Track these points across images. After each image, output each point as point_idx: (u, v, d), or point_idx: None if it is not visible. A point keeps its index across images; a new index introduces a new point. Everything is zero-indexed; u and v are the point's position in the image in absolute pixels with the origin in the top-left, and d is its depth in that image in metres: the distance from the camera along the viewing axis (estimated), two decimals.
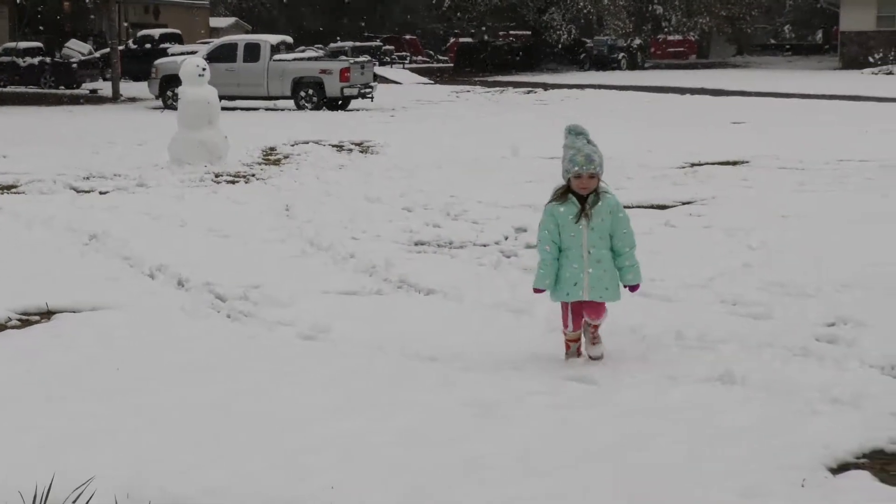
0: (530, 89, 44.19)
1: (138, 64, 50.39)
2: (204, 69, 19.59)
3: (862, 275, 9.66)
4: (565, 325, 7.31)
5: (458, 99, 40.10)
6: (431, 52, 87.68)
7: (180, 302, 9.14)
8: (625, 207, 7.44)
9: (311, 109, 34.32)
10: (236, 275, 9.98)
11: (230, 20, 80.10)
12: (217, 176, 17.86)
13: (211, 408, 6.42)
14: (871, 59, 54.52)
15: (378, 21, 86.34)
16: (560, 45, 65.42)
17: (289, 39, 38.32)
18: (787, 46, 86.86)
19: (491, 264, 10.56)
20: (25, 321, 8.71)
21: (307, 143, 23.31)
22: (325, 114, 33.03)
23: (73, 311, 8.90)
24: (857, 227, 12.04)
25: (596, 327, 7.30)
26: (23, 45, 49.48)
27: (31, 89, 46.50)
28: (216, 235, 12.30)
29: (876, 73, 50.52)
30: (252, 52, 35.48)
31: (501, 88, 45.57)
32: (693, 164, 18.57)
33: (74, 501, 5.03)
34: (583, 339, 7.37)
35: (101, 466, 5.39)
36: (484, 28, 71.61)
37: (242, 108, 33.93)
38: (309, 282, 9.83)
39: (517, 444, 5.78)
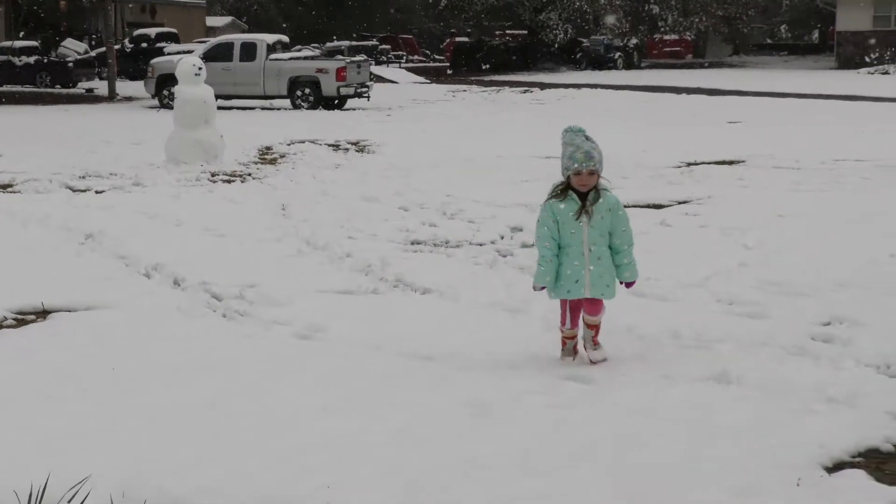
0: (527, 89, 44.20)
1: (134, 63, 50.48)
2: (200, 68, 19.58)
3: (858, 274, 9.67)
4: (563, 323, 7.30)
5: (455, 98, 40.10)
6: (428, 51, 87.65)
7: (176, 301, 9.13)
8: None
9: (307, 109, 34.32)
10: (232, 274, 9.98)
11: (226, 19, 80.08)
12: (213, 175, 17.86)
13: (207, 407, 6.42)
14: (867, 59, 54.58)
15: (374, 20, 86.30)
16: (556, 45, 65.48)
17: (285, 39, 38.32)
18: (784, 46, 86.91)
19: (487, 263, 10.56)
20: (21, 320, 8.71)
21: (303, 142, 23.31)
22: (321, 113, 33.04)
23: (69, 311, 8.90)
24: (852, 227, 12.05)
25: (597, 332, 7.26)
26: (19, 44, 49.42)
27: (27, 88, 46.47)
28: (212, 235, 12.29)
29: (872, 73, 50.58)
30: (248, 51, 35.48)
31: (498, 88, 45.58)
32: (689, 164, 18.58)
33: (70, 501, 5.03)
34: (581, 340, 7.35)
35: (97, 465, 5.39)
36: (480, 27, 71.63)
37: (239, 108, 33.94)
38: (305, 281, 9.83)
39: (514, 444, 5.78)
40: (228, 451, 5.70)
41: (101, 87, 44.52)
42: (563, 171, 7.15)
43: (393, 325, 8.31)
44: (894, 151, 19.17)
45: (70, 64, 48.44)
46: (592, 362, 7.21)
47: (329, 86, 34.45)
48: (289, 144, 23.04)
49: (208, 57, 32.83)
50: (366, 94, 35.59)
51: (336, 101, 35.09)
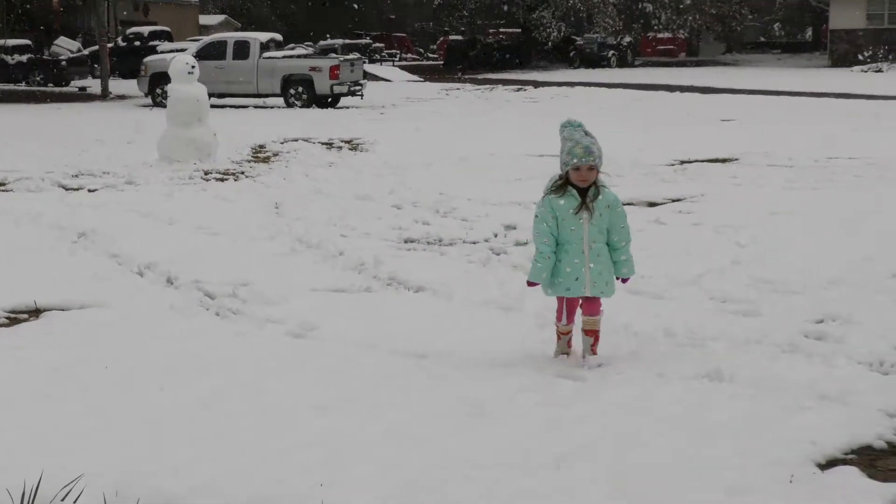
0: (520, 87, 44.19)
1: (127, 61, 50.40)
2: (193, 67, 19.57)
3: (850, 272, 9.68)
4: (559, 319, 7.28)
5: (448, 96, 40.09)
6: (421, 49, 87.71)
7: (169, 300, 9.13)
8: None
9: (300, 107, 34.31)
10: (225, 272, 9.97)
11: (220, 18, 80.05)
12: (206, 174, 17.85)
13: (200, 405, 6.41)
14: (860, 57, 54.61)
15: (368, 19, 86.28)
16: (550, 43, 65.46)
17: (278, 37, 38.26)
18: (777, 44, 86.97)
19: (480, 262, 10.56)
20: (14, 319, 8.70)
21: (297, 140, 23.30)
22: (314, 111, 33.01)
23: (62, 310, 8.89)
24: (846, 225, 12.06)
25: (596, 340, 7.22)
26: (11, 42, 49.40)
27: (20, 87, 46.42)
28: (205, 233, 12.29)
29: (865, 71, 50.61)
30: (241, 49, 35.45)
31: (491, 86, 45.57)
32: (682, 162, 18.59)
33: (63, 499, 5.03)
34: (578, 341, 7.32)
35: (90, 464, 5.39)
36: (474, 26, 71.61)
37: (232, 106, 33.91)
38: (298, 279, 9.83)
39: (509, 443, 5.78)
40: (223, 450, 5.69)
41: (93, 85, 44.49)
42: (561, 167, 7.06)
43: (386, 323, 8.31)
44: (888, 149, 19.17)
45: (63, 62, 48.38)
46: (588, 367, 7.18)
47: (322, 84, 34.44)
48: (282, 143, 23.03)
49: (201, 55, 32.83)
50: (359, 93, 35.57)
51: (329, 100, 35.08)
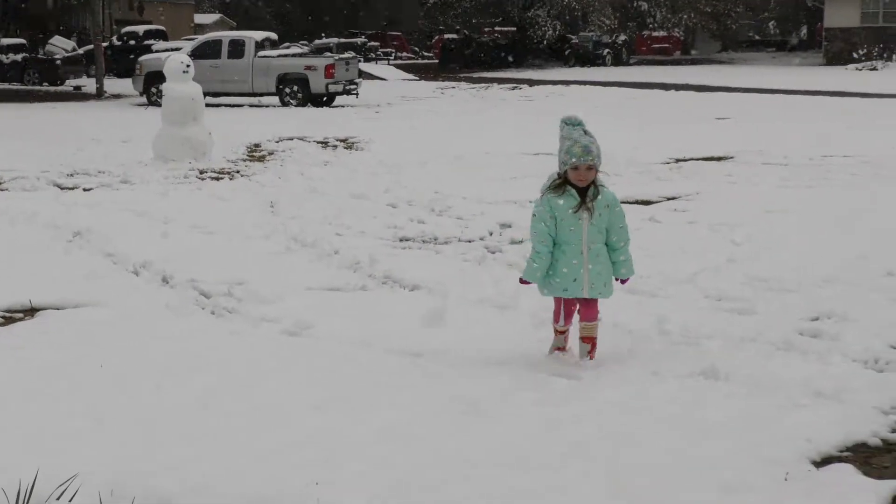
0: (515, 85, 44.20)
1: (122, 60, 50.35)
2: (188, 66, 19.58)
3: (845, 270, 9.69)
4: (556, 321, 7.24)
5: (443, 95, 40.09)
6: (416, 48, 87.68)
7: (164, 299, 9.13)
8: None
9: (295, 106, 34.30)
10: (220, 271, 9.97)
11: (215, 17, 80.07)
12: (201, 172, 17.85)
13: (195, 404, 6.41)
14: (855, 56, 54.65)
15: (363, 17, 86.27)
16: (545, 42, 65.46)
17: (273, 36, 38.27)
18: (772, 43, 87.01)
19: (475, 260, 10.57)
20: (9, 318, 8.69)
21: (292, 139, 23.29)
22: (309, 110, 33.02)
23: (57, 309, 8.88)
24: (840, 223, 12.07)
25: (593, 347, 7.18)
26: (6, 41, 49.35)
27: (15, 86, 46.37)
28: (201, 232, 12.28)
29: (860, 69, 50.65)
30: (237, 48, 35.45)
31: (486, 85, 45.58)
32: (678, 160, 18.60)
33: (58, 498, 5.02)
34: (574, 342, 7.30)
35: (86, 463, 5.38)
36: (469, 24, 71.59)
37: (227, 105, 33.90)
38: (293, 278, 9.82)
39: (504, 441, 5.78)
40: (217, 449, 5.69)
41: (88, 84, 44.45)
42: (560, 166, 6.99)
43: (381, 321, 8.31)
44: (882, 148, 19.18)
45: (58, 61, 48.34)
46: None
47: (317, 83, 34.44)
48: (277, 142, 23.02)
49: (196, 54, 32.81)
50: (354, 92, 35.56)
51: (324, 99, 35.08)
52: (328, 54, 40.75)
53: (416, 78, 53.05)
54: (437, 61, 68.91)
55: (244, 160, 19.90)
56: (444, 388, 6.64)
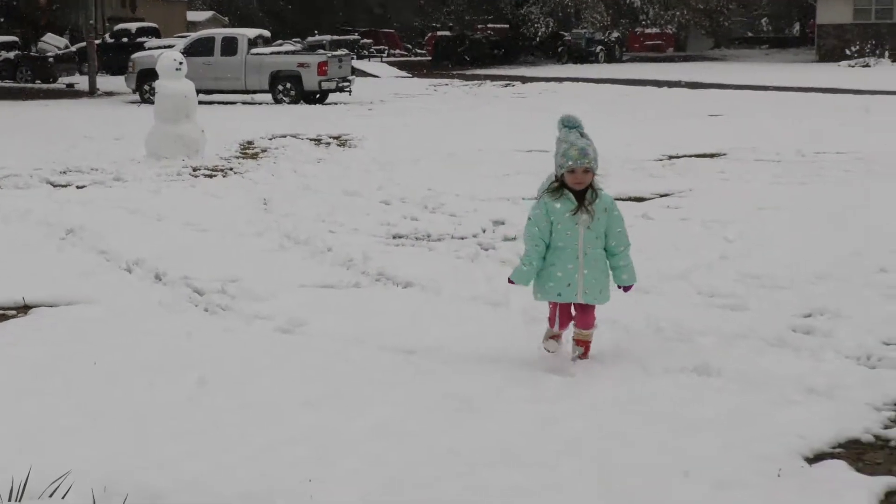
0: (508, 82, 44.21)
1: (115, 58, 50.31)
2: (181, 63, 19.56)
3: (838, 266, 9.70)
4: (552, 325, 7.10)
5: (436, 92, 40.08)
6: (409, 45, 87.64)
7: (157, 296, 9.13)
8: None
9: (288, 103, 34.29)
10: (214, 268, 9.96)
11: (207, 14, 79.97)
12: (194, 170, 17.83)
13: (188, 401, 6.41)
14: (847, 52, 54.71)
15: (356, 15, 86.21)
16: (538, 39, 65.46)
17: (266, 33, 38.25)
18: (765, 39, 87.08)
19: (468, 257, 10.57)
20: (2, 315, 8.69)
21: (285, 136, 23.27)
22: (302, 107, 33.00)
23: (50, 306, 8.88)
24: (833, 219, 12.08)
25: (587, 350, 7.15)
26: None
27: (7, 83, 46.32)
28: (194, 229, 12.28)
29: (853, 66, 50.71)
30: (229, 45, 35.42)
31: (479, 82, 45.58)
32: (670, 157, 18.61)
33: (51, 495, 5.02)
34: (568, 343, 7.27)
35: (79, 460, 5.38)
36: (462, 21, 71.59)
37: (220, 102, 33.88)
38: (286, 275, 9.82)
39: (496, 438, 5.78)
40: (210, 446, 5.69)
41: (81, 81, 44.43)
42: (556, 169, 6.89)
43: (374, 318, 8.31)
44: (875, 144, 19.20)
45: (50, 59, 48.30)
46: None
47: (310, 80, 34.42)
48: (270, 139, 23.00)
49: (189, 52, 32.83)
50: (347, 89, 35.56)
51: (317, 96, 35.07)
52: (321, 51, 40.73)
53: (409, 75, 53.06)
54: (430, 58, 68.88)
55: (237, 157, 19.88)
56: (437, 385, 6.64)
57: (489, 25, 73.92)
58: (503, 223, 12.17)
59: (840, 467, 5.39)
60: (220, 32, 38.06)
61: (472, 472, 5.33)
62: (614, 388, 6.57)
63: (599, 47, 65.18)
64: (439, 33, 73.52)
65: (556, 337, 7.13)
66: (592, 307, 7.08)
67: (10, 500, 4.97)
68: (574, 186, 6.83)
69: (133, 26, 55.80)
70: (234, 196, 14.89)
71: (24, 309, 8.85)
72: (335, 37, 67.58)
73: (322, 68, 34.43)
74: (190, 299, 9.06)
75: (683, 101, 32.15)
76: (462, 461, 5.46)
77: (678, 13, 66.90)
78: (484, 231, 11.94)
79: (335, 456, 5.54)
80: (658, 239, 11.06)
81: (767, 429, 5.84)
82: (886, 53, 53.38)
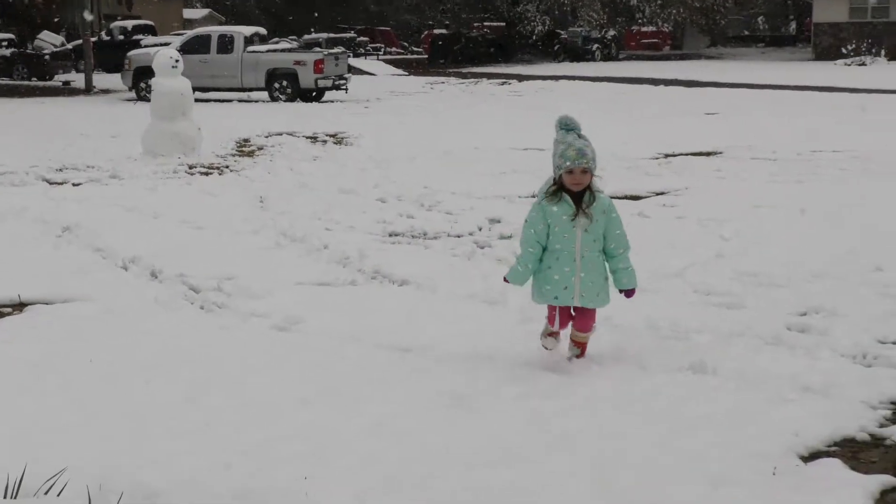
0: (504, 81, 44.22)
1: (111, 55, 50.27)
2: (177, 61, 19.55)
3: (834, 265, 9.70)
4: (551, 324, 7.03)
5: (433, 90, 40.08)
6: (406, 43, 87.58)
7: (153, 293, 9.12)
8: None
9: (285, 101, 34.29)
10: (210, 266, 9.96)
11: (204, 12, 79.90)
12: (191, 167, 17.82)
13: (184, 399, 6.41)
14: (843, 51, 54.75)
15: (352, 12, 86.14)
16: (534, 37, 65.49)
17: (262, 31, 38.24)
18: (761, 38, 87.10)
19: (465, 255, 10.57)
20: None
21: (281, 134, 23.27)
22: (299, 105, 32.99)
23: (46, 303, 8.87)
24: (829, 218, 12.08)
25: (583, 350, 7.14)
26: None
27: (3, 81, 46.27)
28: (190, 227, 12.27)
29: (849, 64, 50.78)
30: (226, 43, 35.40)
31: (476, 80, 45.59)
32: (666, 155, 18.62)
33: (47, 493, 5.02)
34: (565, 341, 7.27)
35: (74, 458, 5.38)
36: (458, 19, 71.59)
37: (216, 100, 33.87)
38: (283, 273, 9.82)
39: (492, 436, 5.78)
40: (206, 444, 5.69)
41: (77, 79, 44.40)
42: (554, 170, 6.81)
43: (370, 316, 8.31)
44: (872, 143, 19.21)
45: (46, 56, 48.26)
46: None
47: (307, 78, 34.41)
48: (266, 137, 23.00)
49: (185, 49, 32.78)
50: (344, 87, 35.55)
51: (314, 94, 35.05)
52: (317, 49, 40.68)
53: (406, 73, 53.06)
54: (426, 57, 68.86)
55: (233, 155, 19.87)
56: (433, 383, 6.64)
57: (486, 24, 73.96)
58: (499, 221, 12.18)
59: (835, 465, 5.40)
60: (216, 30, 38.05)
61: (469, 471, 5.33)
62: (610, 386, 6.57)
63: (596, 45, 65.24)
64: (436, 31, 73.53)
65: (554, 334, 7.09)
66: (592, 311, 7.05)
67: (5, 497, 4.97)
68: (572, 187, 6.77)
69: (129, 24, 55.78)
70: (231, 194, 14.88)
71: (20, 306, 8.84)
72: (331, 35, 67.50)
73: (318, 66, 34.42)
74: (186, 297, 9.06)
75: (680, 100, 32.16)
76: (458, 459, 5.46)
77: (674, 11, 66.99)
78: (480, 229, 11.94)
79: (331, 454, 5.54)
80: (654, 237, 11.06)
81: (763, 427, 5.84)
82: (882, 52, 53.44)
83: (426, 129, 24.37)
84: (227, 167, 17.98)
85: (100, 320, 8.30)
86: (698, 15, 68.57)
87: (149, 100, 20.82)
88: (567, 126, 6.86)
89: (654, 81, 40.45)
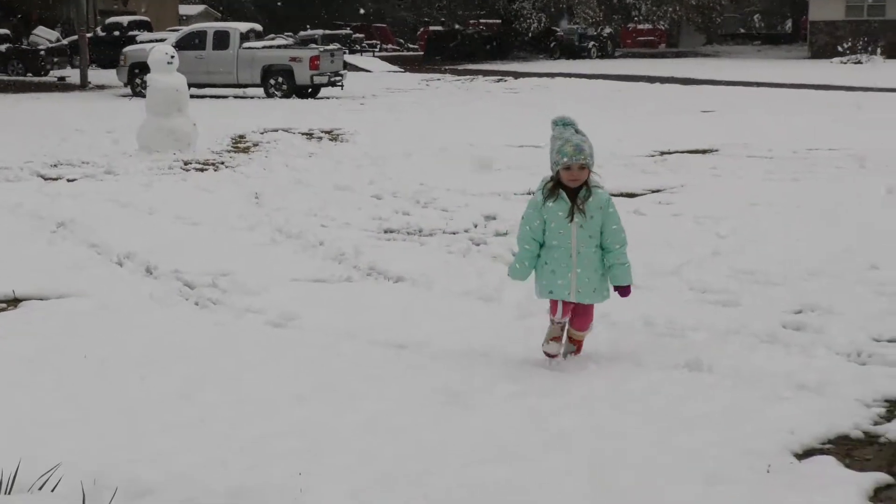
0: (500, 78, 44.19)
1: (107, 51, 50.21)
2: (173, 57, 19.53)
3: (830, 263, 9.71)
4: (553, 313, 6.96)
5: (429, 87, 40.06)
6: (402, 40, 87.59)
7: (148, 289, 9.11)
8: None
9: (280, 97, 34.25)
10: (205, 262, 9.95)
11: (199, 8, 79.78)
12: (186, 164, 17.81)
13: (178, 395, 6.41)
14: (839, 49, 54.76)
15: (348, 9, 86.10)
16: (530, 34, 65.45)
17: (258, 27, 38.19)
18: (757, 36, 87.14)
19: (460, 252, 10.56)
20: None
21: (277, 130, 23.24)
22: (294, 102, 32.96)
23: (41, 299, 8.87)
24: (825, 216, 12.09)
25: (579, 348, 7.14)
26: None
27: None
28: (185, 223, 12.26)
29: (845, 63, 50.76)
30: (221, 39, 35.35)
31: (471, 77, 45.55)
32: (662, 153, 18.62)
33: (41, 488, 5.02)
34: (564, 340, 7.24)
35: (68, 453, 5.37)
36: (454, 16, 71.55)
37: (212, 96, 33.83)
38: (278, 269, 9.82)
39: (486, 432, 5.78)
40: (201, 439, 5.69)
41: (73, 75, 44.33)
42: (552, 166, 6.78)
43: (365, 313, 8.30)
44: (868, 141, 19.22)
45: (42, 52, 48.20)
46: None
47: (302, 74, 34.38)
48: (262, 133, 22.98)
49: (181, 45, 32.75)
50: (339, 83, 35.52)
51: (309, 90, 35.01)
52: (313, 46, 40.69)
53: (402, 70, 52.98)
54: (422, 53, 68.84)
55: (229, 151, 19.85)
56: (428, 380, 6.64)
57: (481, 21, 73.92)
58: (494, 218, 12.18)
59: (829, 463, 5.40)
60: (211, 26, 38.01)
61: (464, 468, 5.33)
62: (606, 384, 6.57)
63: (592, 43, 65.19)
64: (431, 28, 73.47)
65: (556, 339, 7.02)
66: (590, 308, 7.04)
67: None
68: (569, 184, 6.75)
69: (125, 20, 55.69)
70: (226, 190, 14.87)
71: (15, 302, 8.83)
72: (327, 31, 67.54)
73: (314, 63, 34.39)
74: (181, 293, 9.05)
75: (675, 97, 32.16)
76: (454, 456, 5.46)
77: (670, 9, 66.92)
78: (475, 226, 11.94)
79: (326, 450, 5.54)
80: (650, 235, 11.05)
81: (758, 424, 5.84)
82: (878, 50, 53.44)
83: (422, 125, 24.35)
84: (222, 163, 17.96)
85: (94, 316, 8.29)
86: (694, 13, 68.52)
87: (144, 96, 20.78)
88: (564, 122, 6.83)
89: (650, 79, 40.44)
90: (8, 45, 48.68)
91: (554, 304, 6.95)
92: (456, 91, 37.63)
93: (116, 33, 53.37)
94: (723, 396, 6.32)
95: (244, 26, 36.96)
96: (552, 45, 65.58)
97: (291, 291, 9.02)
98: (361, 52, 67.70)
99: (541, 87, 37.94)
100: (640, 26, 75.35)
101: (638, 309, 8.06)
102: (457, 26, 70.24)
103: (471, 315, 8.22)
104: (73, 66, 47.72)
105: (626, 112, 27.11)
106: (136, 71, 34.31)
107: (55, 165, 17.57)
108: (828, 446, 5.67)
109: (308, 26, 72.74)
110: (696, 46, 77.50)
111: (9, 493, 4.96)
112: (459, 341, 7.46)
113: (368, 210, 12.94)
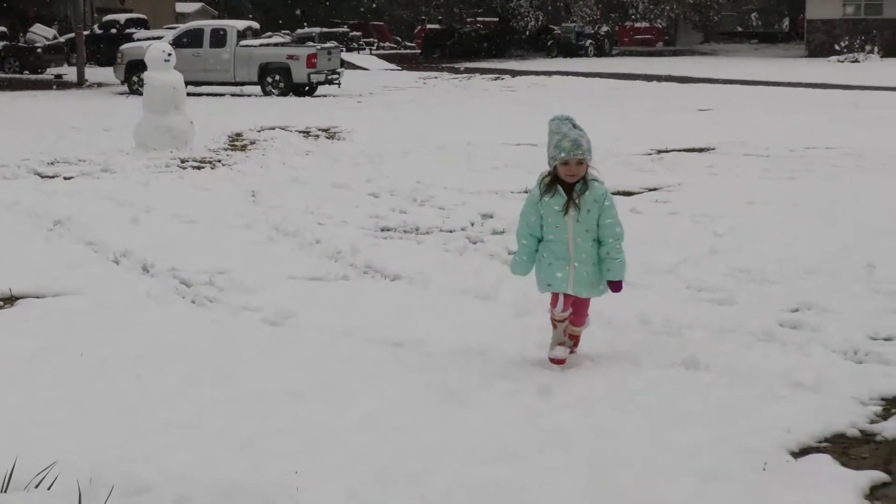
0: (497, 76, 44.17)
1: (104, 49, 50.19)
2: (170, 54, 19.50)
3: (826, 261, 9.71)
4: (553, 306, 6.94)
5: (426, 85, 40.04)
6: (399, 38, 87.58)
7: (145, 287, 9.10)
8: None
9: (277, 95, 34.23)
10: (202, 260, 9.95)
11: (196, 5, 79.72)
12: (183, 161, 17.79)
13: (175, 393, 6.40)
14: (836, 47, 54.79)
15: (345, 7, 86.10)
16: (527, 32, 65.46)
17: (255, 25, 38.16)
18: (754, 34, 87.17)
19: (457, 250, 10.56)
20: None
21: (274, 128, 23.23)
22: (291, 100, 32.94)
23: (37, 297, 8.86)
24: (822, 214, 12.09)
25: (576, 343, 7.14)
26: None
27: None
28: (182, 221, 12.26)
29: (842, 61, 50.78)
30: (218, 37, 35.32)
31: (469, 75, 45.53)
32: (659, 151, 18.62)
33: (37, 486, 5.01)
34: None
35: (65, 451, 5.37)
36: (451, 15, 71.56)
37: (209, 94, 33.80)
38: (275, 267, 9.81)
39: (484, 431, 5.78)
40: (197, 437, 5.69)
41: (70, 73, 44.30)
42: (549, 161, 6.78)
43: (362, 311, 8.30)
44: (865, 139, 19.23)
45: (39, 50, 48.15)
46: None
47: (300, 72, 34.37)
48: (259, 131, 22.97)
49: (178, 43, 32.73)
50: (336, 81, 35.51)
51: (307, 88, 35.00)
52: (310, 44, 40.61)
53: (399, 68, 52.98)
54: (419, 51, 68.84)
55: (226, 149, 19.84)
56: (425, 378, 6.64)
57: (479, 19, 73.91)
58: (492, 216, 12.17)
59: (825, 461, 5.41)
60: (209, 24, 37.99)
61: (461, 466, 5.33)
62: (603, 382, 6.58)
63: (589, 41, 65.15)
64: (429, 26, 73.49)
65: (563, 343, 7.00)
66: (586, 304, 7.05)
67: None
68: (567, 179, 6.74)
69: (122, 17, 55.65)
70: (223, 188, 14.87)
71: (11, 300, 8.82)
72: (324, 29, 67.50)
73: (311, 61, 34.38)
74: (177, 291, 9.05)
75: (673, 96, 32.16)
76: (452, 455, 5.46)
77: (668, 7, 66.95)
78: (472, 224, 11.93)
79: (323, 448, 5.54)
80: (647, 233, 11.05)
81: (754, 422, 5.85)
82: (876, 49, 53.46)
83: (419, 124, 24.34)
84: (219, 161, 17.95)
85: (91, 314, 8.29)
86: (691, 11, 68.54)
87: (141, 93, 20.76)
88: (561, 118, 6.83)
89: (647, 77, 40.44)
90: (5, 42, 48.64)
91: (554, 297, 6.94)
92: (453, 89, 37.62)
93: (113, 31, 53.34)
94: (719, 394, 6.33)
95: (241, 24, 36.93)
96: (549, 43, 65.57)
97: (288, 289, 9.02)
98: (359, 50, 67.72)
99: (538, 86, 37.93)
100: (638, 25, 75.34)
101: (635, 307, 8.06)
102: (454, 24, 70.23)
103: (468, 313, 8.22)
104: (69, 64, 47.67)
105: (623, 110, 27.11)
106: (133, 69, 34.26)
107: (52, 163, 17.55)
108: (824, 444, 5.68)
109: (305, 24, 72.76)
110: (693, 45, 77.51)
111: (5, 492, 4.96)
112: (456, 339, 7.46)
113: (365, 208, 12.93)
